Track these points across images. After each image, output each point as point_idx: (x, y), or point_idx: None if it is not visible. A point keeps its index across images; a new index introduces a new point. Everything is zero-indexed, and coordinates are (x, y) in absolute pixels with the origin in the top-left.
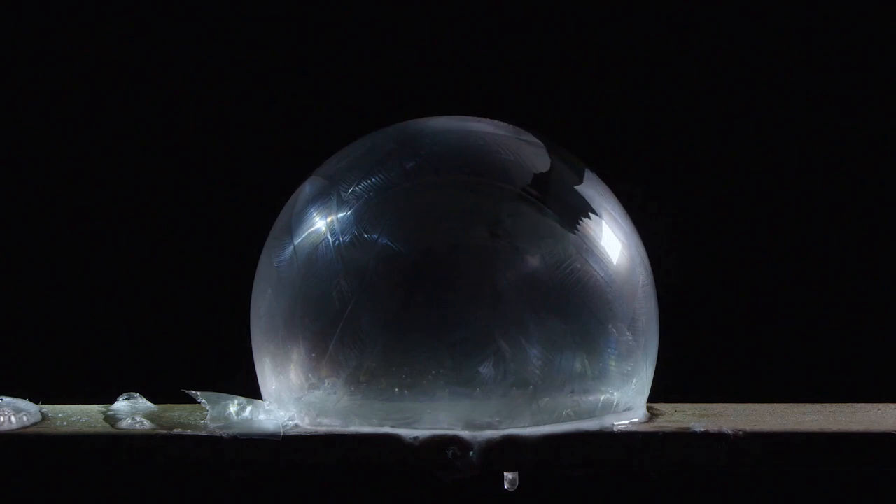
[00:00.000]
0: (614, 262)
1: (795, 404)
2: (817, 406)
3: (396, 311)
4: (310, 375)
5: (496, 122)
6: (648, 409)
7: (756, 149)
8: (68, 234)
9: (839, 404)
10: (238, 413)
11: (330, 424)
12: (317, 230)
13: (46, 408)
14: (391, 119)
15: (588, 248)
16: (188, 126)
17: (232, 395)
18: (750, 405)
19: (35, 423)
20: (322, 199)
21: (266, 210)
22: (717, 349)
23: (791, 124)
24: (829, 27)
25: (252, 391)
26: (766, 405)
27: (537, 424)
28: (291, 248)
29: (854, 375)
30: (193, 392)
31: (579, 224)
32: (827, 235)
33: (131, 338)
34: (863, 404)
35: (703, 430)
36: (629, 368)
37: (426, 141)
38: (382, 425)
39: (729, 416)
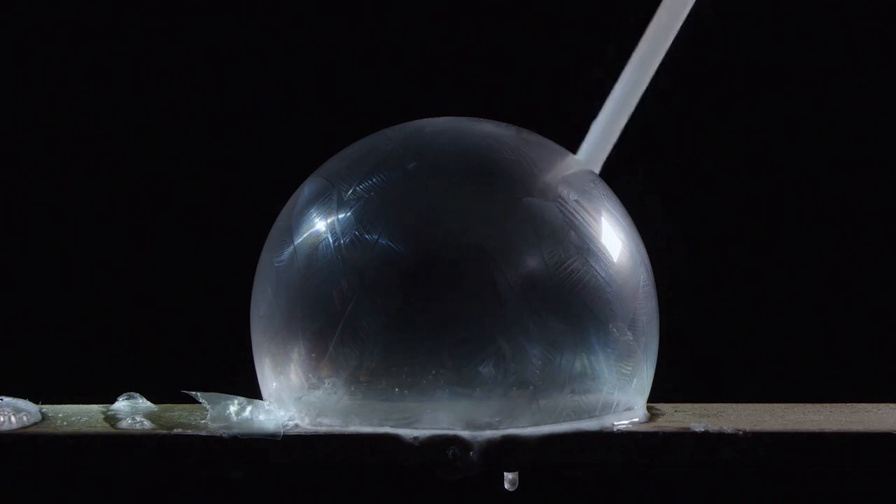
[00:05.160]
0: (614, 262)
1: (795, 404)
2: (817, 406)
3: (396, 311)
4: (310, 375)
5: (497, 122)
6: (648, 409)
7: (756, 149)
8: (68, 234)
9: (839, 404)
10: (238, 413)
11: (330, 424)
12: (317, 230)
13: (46, 408)
14: (392, 119)
15: (588, 248)
16: (189, 126)
17: (232, 395)
18: (750, 405)
19: (35, 423)
20: (322, 199)
21: (266, 210)
22: (717, 349)
23: (791, 125)
24: (828, 24)
25: (252, 391)
26: (766, 405)
27: (537, 424)
28: (291, 248)
29: (854, 375)
30: (193, 392)
31: (579, 224)
32: (827, 235)
33: (131, 338)
34: (863, 404)
35: (703, 430)
36: (629, 368)
37: (427, 141)
38: (382, 425)
39: (729, 416)
